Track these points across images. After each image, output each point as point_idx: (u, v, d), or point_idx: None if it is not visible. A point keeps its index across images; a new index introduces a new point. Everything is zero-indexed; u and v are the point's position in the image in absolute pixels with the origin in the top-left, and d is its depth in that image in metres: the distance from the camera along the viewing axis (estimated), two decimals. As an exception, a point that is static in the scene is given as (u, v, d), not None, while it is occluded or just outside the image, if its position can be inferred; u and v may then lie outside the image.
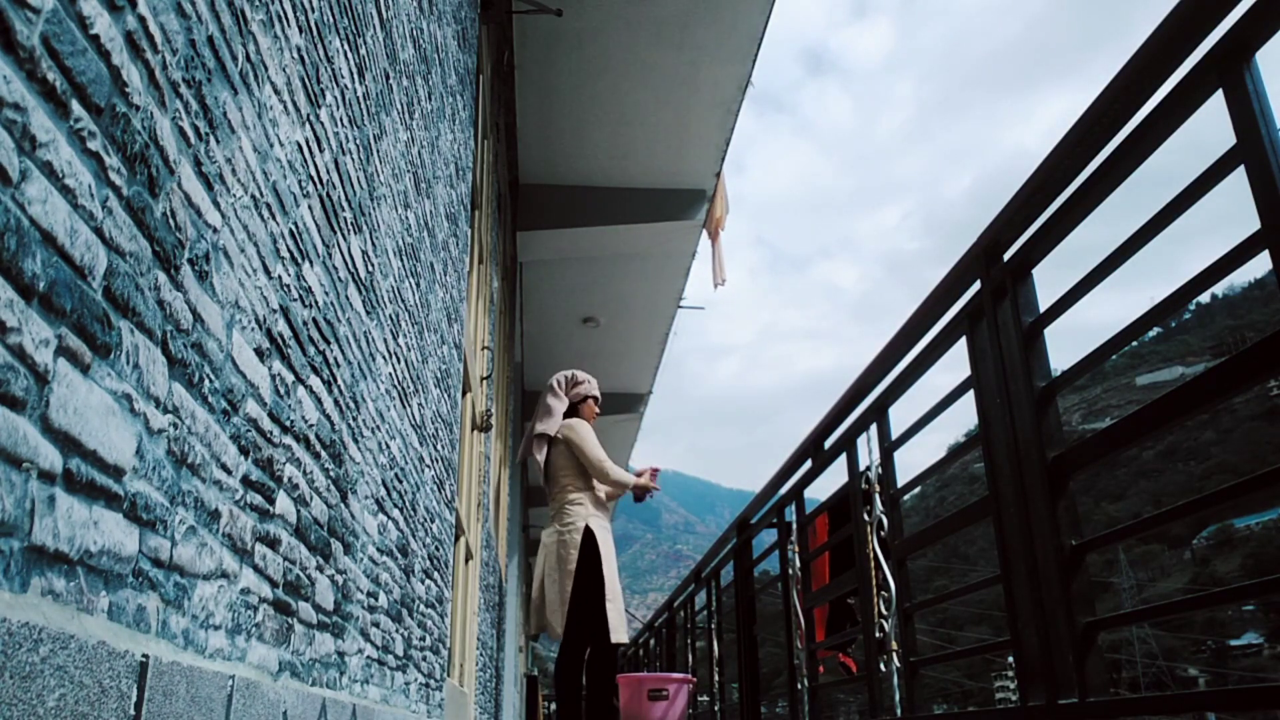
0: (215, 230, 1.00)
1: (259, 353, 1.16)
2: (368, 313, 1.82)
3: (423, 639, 2.68)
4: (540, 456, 3.90)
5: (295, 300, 1.31)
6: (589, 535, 3.68)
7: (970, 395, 2.02)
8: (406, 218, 2.27)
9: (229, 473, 1.07)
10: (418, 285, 2.46)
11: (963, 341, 2.07)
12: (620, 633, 3.61)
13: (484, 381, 5.07)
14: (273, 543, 1.24)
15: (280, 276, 1.24)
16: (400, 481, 2.26)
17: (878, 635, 2.72)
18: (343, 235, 1.59)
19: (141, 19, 0.79)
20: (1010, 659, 1.83)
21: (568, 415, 3.95)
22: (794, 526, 3.74)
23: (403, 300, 2.23)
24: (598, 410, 4.04)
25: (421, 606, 2.66)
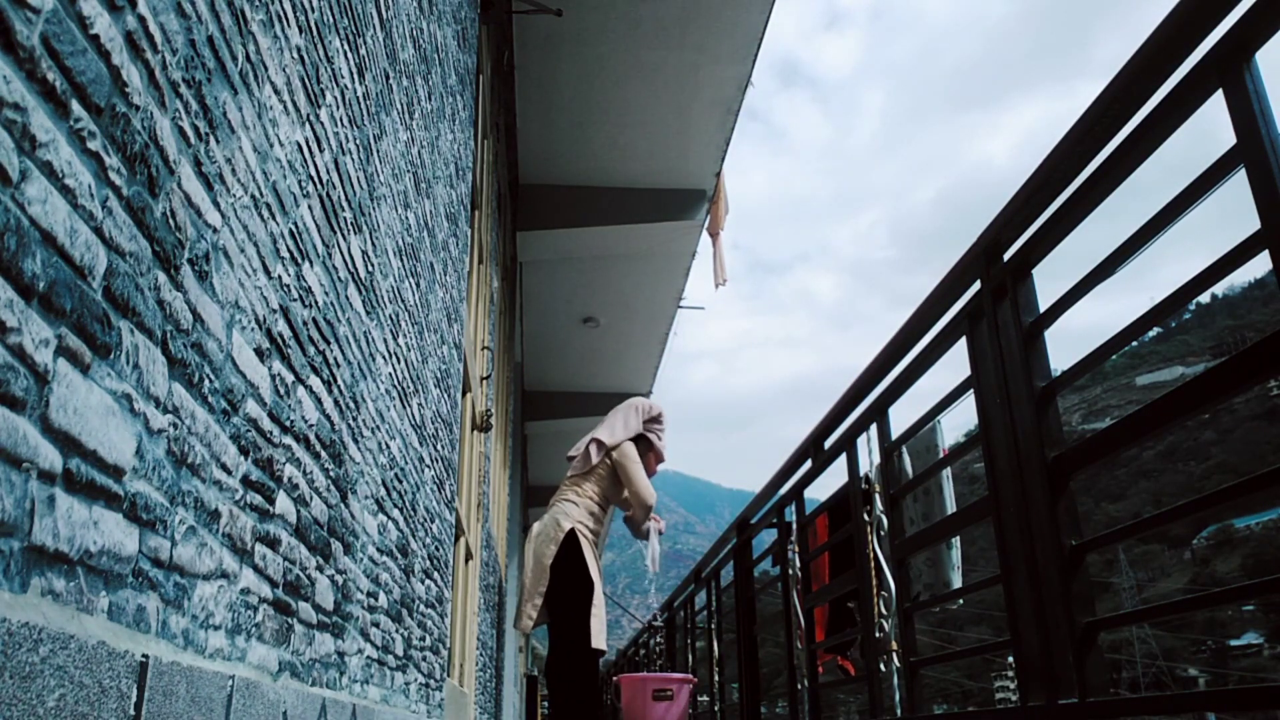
0: (215, 230, 1.00)
1: (259, 353, 1.16)
2: (368, 313, 1.82)
3: (423, 639, 2.68)
4: (596, 459, 3.86)
5: (295, 300, 1.31)
6: (571, 538, 3.67)
7: (970, 395, 2.02)
8: (406, 218, 2.27)
9: (229, 473, 1.07)
10: (418, 285, 2.46)
11: (963, 341, 2.07)
12: (599, 640, 3.61)
13: (484, 381, 5.07)
14: (273, 543, 1.24)
15: (280, 276, 1.24)
16: (400, 481, 2.26)
17: (878, 635, 2.72)
18: (343, 235, 1.59)
19: (141, 19, 0.79)
20: (1010, 659, 1.83)
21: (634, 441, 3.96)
22: (794, 527, 3.74)
23: (403, 300, 2.23)
24: (656, 467, 4.05)
25: (421, 606, 2.66)
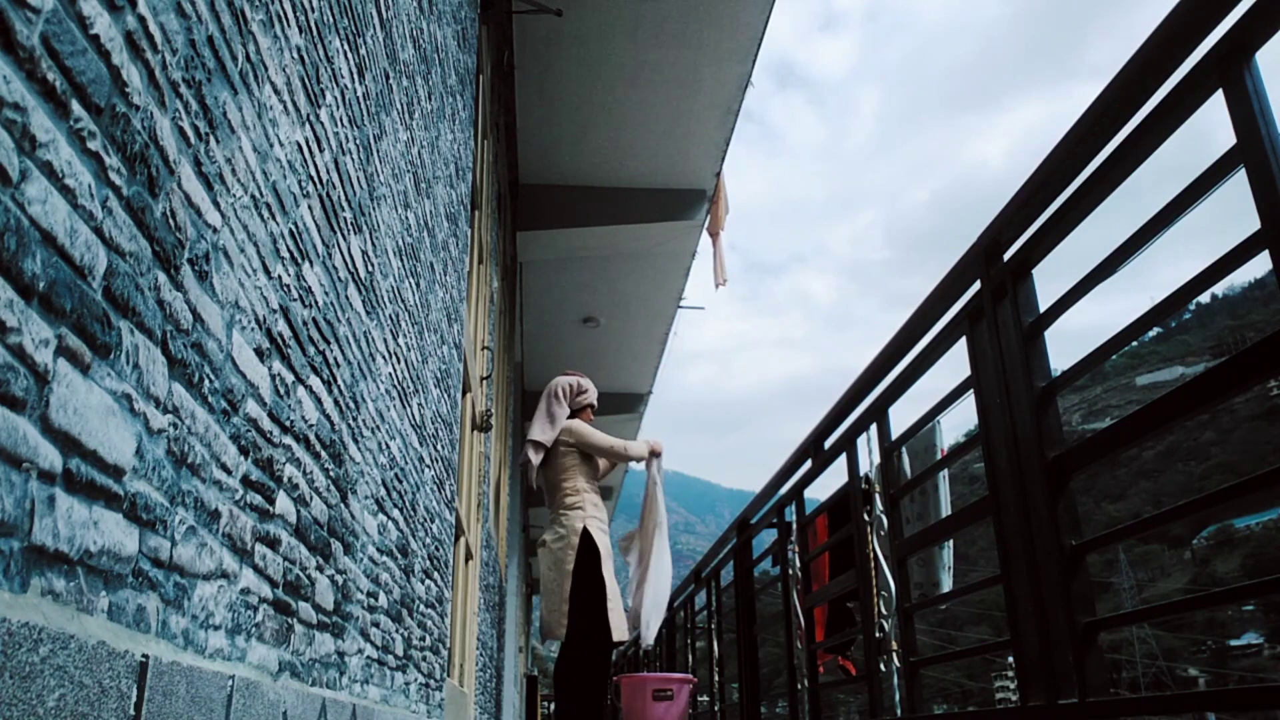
0: (215, 230, 1.00)
1: (259, 353, 1.16)
2: (368, 313, 1.82)
3: (423, 639, 2.68)
4: (536, 461, 3.92)
5: (295, 300, 1.31)
6: (586, 536, 3.70)
7: (970, 395, 2.02)
8: (406, 218, 2.27)
9: (229, 473, 1.07)
10: (418, 285, 2.46)
11: (963, 341, 2.07)
12: (621, 631, 3.65)
13: (484, 381, 5.07)
14: (273, 543, 1.24)
15: (280, 276, 1.24)
16: (400, 481, 2.26)
17: (878, 635, 2.72)
18: (343, 235, 1.59)
19: (141, 19, 0.79)
20: (1010, 659, 1.83)
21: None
22: (794, 527, 3.74)
23: (403, 300, 2.23)
24: (592, 416, 4.10)
25: (421, 606, 2.66)
